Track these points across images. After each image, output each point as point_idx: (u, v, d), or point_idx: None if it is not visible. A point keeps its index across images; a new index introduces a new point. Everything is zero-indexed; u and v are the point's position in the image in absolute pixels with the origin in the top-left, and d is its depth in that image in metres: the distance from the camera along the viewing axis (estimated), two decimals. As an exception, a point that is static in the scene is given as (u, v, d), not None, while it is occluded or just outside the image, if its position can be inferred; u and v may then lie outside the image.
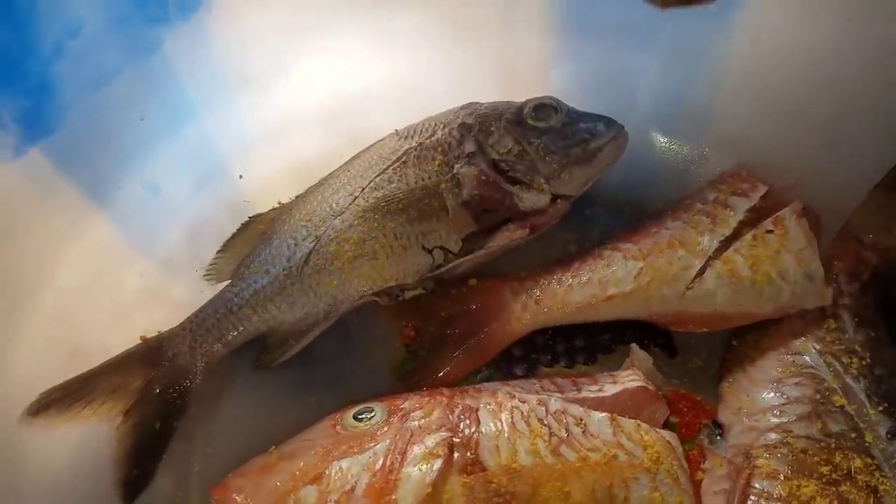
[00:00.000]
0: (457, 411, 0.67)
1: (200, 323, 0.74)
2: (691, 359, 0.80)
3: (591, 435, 0.64)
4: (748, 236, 0.77)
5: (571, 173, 0.79)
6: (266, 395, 0.78)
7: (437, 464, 0.62)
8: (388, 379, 0.80)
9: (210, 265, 0.78)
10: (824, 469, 0.66)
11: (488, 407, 0.67)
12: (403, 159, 0.78)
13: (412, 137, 0.80)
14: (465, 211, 0.77)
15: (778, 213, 0.77)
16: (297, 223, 0.78)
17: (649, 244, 0.79)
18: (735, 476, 0.68)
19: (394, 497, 0.61)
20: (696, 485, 0.71)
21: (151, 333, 0.74)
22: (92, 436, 0.70)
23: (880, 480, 0.66)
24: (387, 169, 0.78)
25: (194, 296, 0.77)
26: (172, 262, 0.78)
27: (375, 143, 0.82)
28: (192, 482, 0.74)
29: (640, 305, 0.77)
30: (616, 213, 0.88)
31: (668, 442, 0.65)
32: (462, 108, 0.82)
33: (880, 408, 0.71)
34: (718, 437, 0.74)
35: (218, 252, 0.78)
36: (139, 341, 0.74)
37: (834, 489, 0.65)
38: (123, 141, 0.75)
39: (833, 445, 0.68)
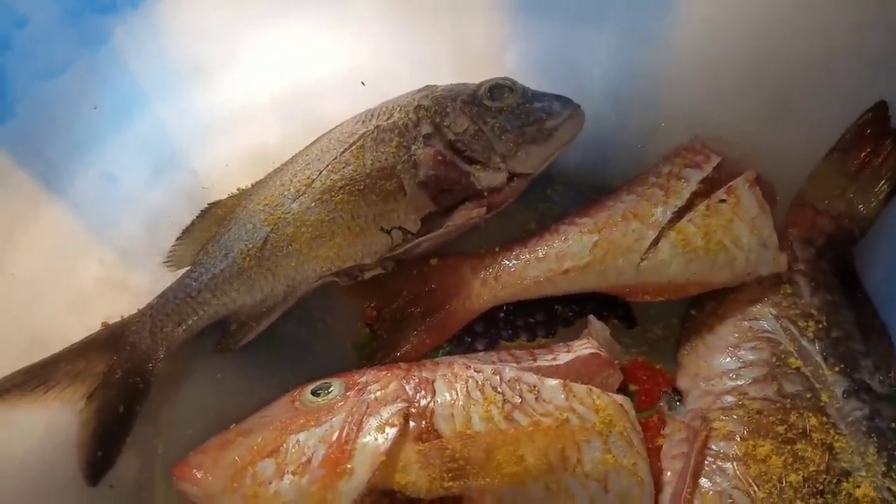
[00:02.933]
0: (413, 383, 0.68)
1: (160, 308, 0.75)
2: (650, 329, 0.81)
3: (544, 401, 0.65)
4: (701, 206, 0.77)
5: (527, 152, 0.80)
6: (229, 377, 0.78)
7: (392, 433, 0.62)
8: (351, 358, 0.80)
9: (169, 252, 0.79)
10: (780, 428, 0.67)
11: (444, 378, 0.68)
12: (360, 143, 0.79)
13: (369, 121, 0.81)
14: (423, 191, 0.78)
15: (731, 183, 0.78)
16: (255, 208, 0.78)
17: (604, 218, 0.80)
18: (693, 439, 0.68)
19: (349, 466, 0.61)
20: (657, 450, 0.72)
21: (113, 320, 0.75)
22: (57, 420, 0.70)
23: (835, 438, 0.67)
24: (344, 152, 0.79)
25: (155, 283, 0.77)
26: (132, 251, 0.79)
27: (333, 129, 0.83)
28: (157, 463, 0.75)
29: (597, 277, 0.78)
30: (575, 191, 0.89)
31: (621, 405, 0.65)
32: (418, 91, 0.83)
33: (836, 368, 0.72)
34: (677, 404, 0.74)
35: (177, 239, 0.79)
36: (101, 327, 0.74)
37: (789, 447, 0.66)
38: (77, 131, 0.75)
39: (788, 406, 0.68)
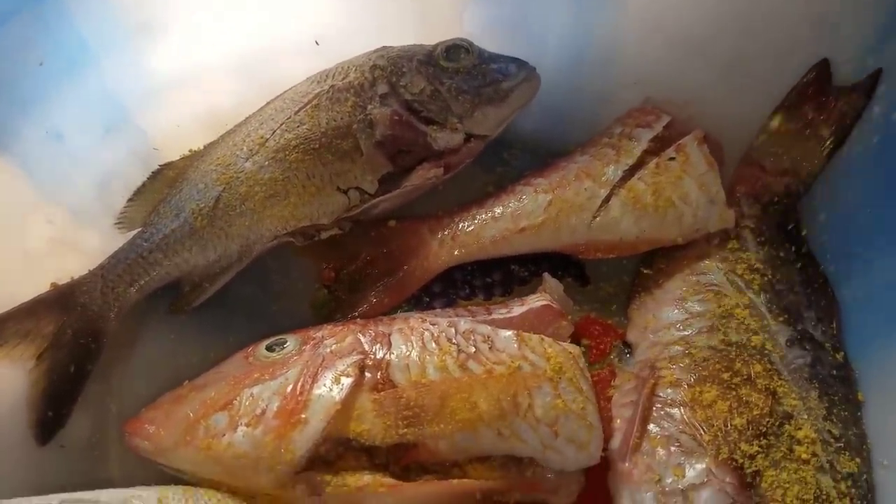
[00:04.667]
0: (369, 336, 0.68)
1: (111, 268, 0.74)
2: (603, 287, 0.83)
3: (498, 350, 0.66)
4: (651, 164, 0.79)
5: (484, 113, 0.80)
6: (184, 337, 0.78)
7: (347, 382, 0.63)
8: (309, 319, 0.80)
9: (121, 213, 0.78)
10: (725, 375, 0.69)
11: (401, 331, 0.69)
12: (315, 102, 0.78)
13: (324, 81, 0.81)
14: (379, 151, 0.78)
15: (680, 141, 0.80)
16: (207, 168, 0.78)
17: (558, 178, 0.81)
18: (641, 387, 0.70)
19: (303, 416, 0.62)
20: (608, 401, 0.73)
21: (63, 281, 0.73)
22: (5, 379, 0.69)
23: (779, 384, 0.69)
24: (299, 111, 0.78)
25: (106, 244, 0.76)
26: (82, 211, 0.77)
27: (288, 90, 0.83)
28: (110, 422, 0.74)
29: (551, 236, 0.79)
30: (532, 155, 0.89)
31: (571, 353, 0.67)
32: (374, 51, 0.83)
33: (780, 319, 0.74)
34: (627, 355, 0.76)
35: (128, 200, 0.78)
36: (50, 288, 0.73)
37: (734, 392, 0.68)
38: (22, 87, 0.73)
39: (733, 354, 0.71)
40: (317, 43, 0.85)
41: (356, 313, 0.79)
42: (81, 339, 0.72)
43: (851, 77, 0.79)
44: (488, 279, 0.83)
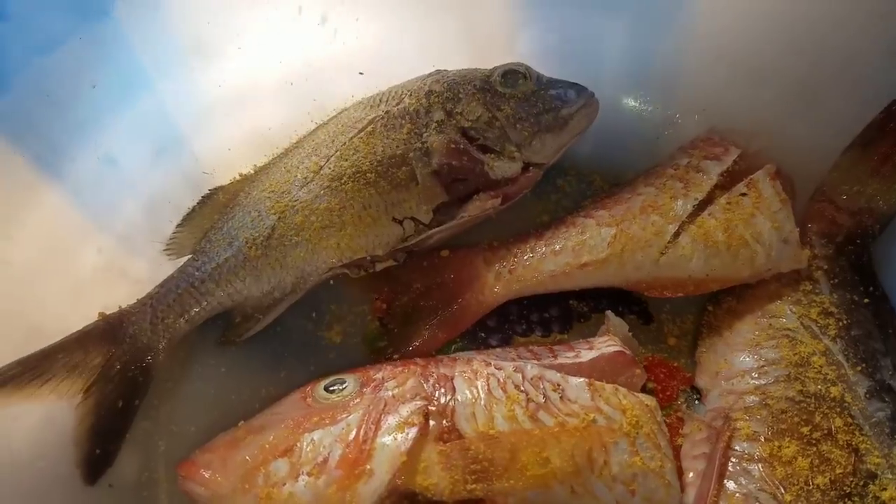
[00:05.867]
0: (431, 380, 0.65)
1: (161, 298, 0.72)
2: (666, 325, 0.80)
3: (569, 400, 0.63)
4: (722, 200, 0.76)
5: (543, 141, 0.77)
6: (233, 371, 0.75)
7: (413, 432, 0.60)
8: (362, 352, 0.78)
9: (170, 240, 0.75)
10: (804, 429, 0.66)
11: (464, 375, 0.66)
12: (370, 128, 0.76)
13: (378, 106, 0.78)
14: (436, 180, 0.75)
15: (751, 176, 0.77)
16: (260, 194, 0.75)
17: (622, 210, 0.78)
18: (715, 439, 0.67)
19: (368, 467, 0.59)
20: (676, 450, 0.70)
21: (111, 310, 0.71)
22: (53, 415, 0.66)
23: (860, 440, 0.66)
24: (353, 138, 0.76)
25: (155, 271, 0.74)
26: (131, 237, 0.75)
27: (340, 113, 0.80)
28: (159, 461, 0.71)
29: (615, 272, 0.76)
30: (588, 182, 0.87)
31: (647, 405, 0.64)
32: (429, 75, 0.81)
33: (858, 368, 0.70)
34: (697, 402, 0.73)
35: (178, 226, 0.76)
36: (98, 318, 0.70)
37: (815, 448, 0.65)
38: (75, 110, 0.72)
39: (812, 406, 0.67)
40: (361, 73, 0.82)
41: (410, 348, 0.76)
42: (130, 372, 0.70)
43: (934, 113, 0.76)
44: (546, 314, 0.80)
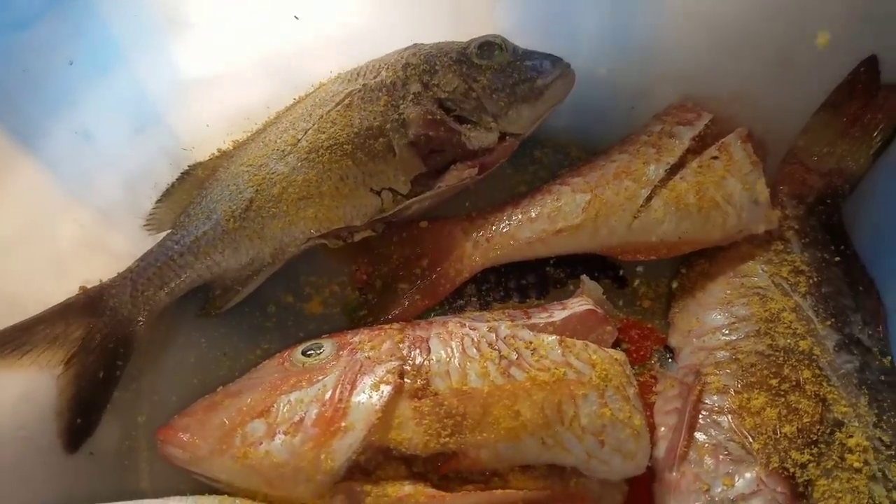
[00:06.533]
0: (407, 342, 0.66)
1: (142, 272, 0.73)
2: (641, 289, 0.81)
3: (541, 356, 0.64)
4: (693, 163, 0.77)
5: (519, 111, 0.78)
6: (214, 342, 0.76)
7: (387, 390, 0.61)
8: (342, 322, 0.79)
9: (150, 215, 0.76)
10: (773, 381, 0.67)
11: (439, 336, 0.67)
12: (347, 101, 0.77)
13: (356, 80, 0.79)
14: (413, 151, 0.76)
15: (723, 140, 0.78)
16: (238, 169, 0.76)
17: (596, 177, 0.79)
18: (686, 394, 0.68)
19: (343, 424, 0.60)
20: (650, 407, 0.71)
21: (92, 284, 0.72)
22: (34, 386, 0.67)
23: (828, 390, 0.67)
24: (331, 111, 0.77)
25: (135, 246, 0.75)
26: (111, 212, 0.76)
27: (318, 87, 0.81)
28: (140, 430, 0.73)
29: (589, 237, 0.77)
30: (565, 153, 0.88)
31: (616, 359, 0.65)
32: (406, 49, 0.81)
33: (828, 323, 0.72)
34: (669, 360, 0.74)
35: (157, 201, 0.77)
36: (79, 291, 0.71)
37: (783, 399, 0.66)
38: (52, 86, 0.72)
39: (781, 359, 0.68)
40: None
41: (389, 317, 0.77)
42: (110, 344, 0.71)
43: (902, 75, 0.76)
44: (523, 281, 0.81)
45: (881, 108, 0.77)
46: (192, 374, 0.75)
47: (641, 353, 0.76)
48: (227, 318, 0.76)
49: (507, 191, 0.85)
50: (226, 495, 0.62)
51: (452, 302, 0.80)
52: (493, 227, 0.79)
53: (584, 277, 0.76)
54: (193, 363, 0.75)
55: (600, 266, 0.81)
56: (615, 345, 0.73)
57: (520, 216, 0.79)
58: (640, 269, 0.81)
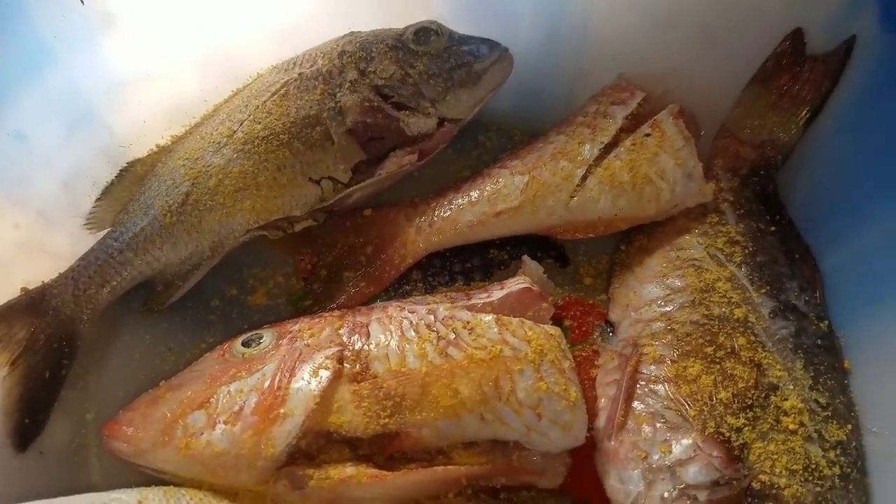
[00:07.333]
0: (347, 328, 0.67)
1: (82, 271, 0.73)
2: (583, 267, 0.82)
3: (478, 335, 0.65)
4: (627, 142, 0.78)
5: (457, 96, 0.79)
6: (159, 338, 0.77)
7: (325, 375, 0.62)
8: (287, 313, 0.79)
9: (90, 214, 0.76)
10: (708, 349, 0.68)
11: (379, 321, 0.67)
12: (283, 91, 0.77)
13: (292, 69, 0.79)
14: (351, 139, 0.77)
15: (655, 117, 0.79)
16: (175, 163, 0.76)
17: (534, 159, 0.80)
18: (624, 365, 0.69)
19: (282, 411, 0.60)
20: (592, 381, 0.73)
21: (34, 285, 0.72)
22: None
23: (763, 355, 0.68)
24: (266, 101, 0.77)
25: (76, 246, 0.75)
26: (49, 213, 0.76)
27: (255, 79, 0.81)
28: (88, 427, 0.73)
29: (529, 218, 0.78)
30: (509, 137, 0.89)
31: (552, 334, 0.66)
32: (342, 37, 0.82)
33: (763, 290, 0.73)
34: (610, 335, 0.75)
35: (97, 200, 0.77)
36: (20, 293, 0.71)
37: (718, 366, 0.67)
38: (-22, 86, 0.72)
39: (716, 328, 0.70)
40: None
41: (334, 305, 0.77)
42: (55, 343, 0.71)
43: (826, 46, 0.78)
44: (468, 265, 0.82)
45: (808, 79, 0.78)
46: (138, 370, 0.75)
47: (584, 328, 0.78)
48: (170, 314, 0.76)
49: (452, 176, 0.85)
50: (171, 486, 0.62)
51: (398, 288, 0.81)
52: (436, 213, 0.80)
53: (524, 258, 0.76)
54: (139, 359, 0.76)
55: (543, 246, 0.83)
56: (558, 322, 0.74)
57: (461, 200, 0.80)
58: (583, 248, 0.83)
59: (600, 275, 0.81)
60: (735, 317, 0.70)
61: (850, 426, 0.67)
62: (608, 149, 0.78)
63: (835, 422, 0.66)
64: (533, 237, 0.81)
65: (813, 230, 0.78)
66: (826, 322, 0.73)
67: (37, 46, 0.74)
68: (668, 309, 0.72)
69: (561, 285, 0.80)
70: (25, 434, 0.69)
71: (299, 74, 0.78)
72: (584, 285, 0.81)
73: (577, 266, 0.82)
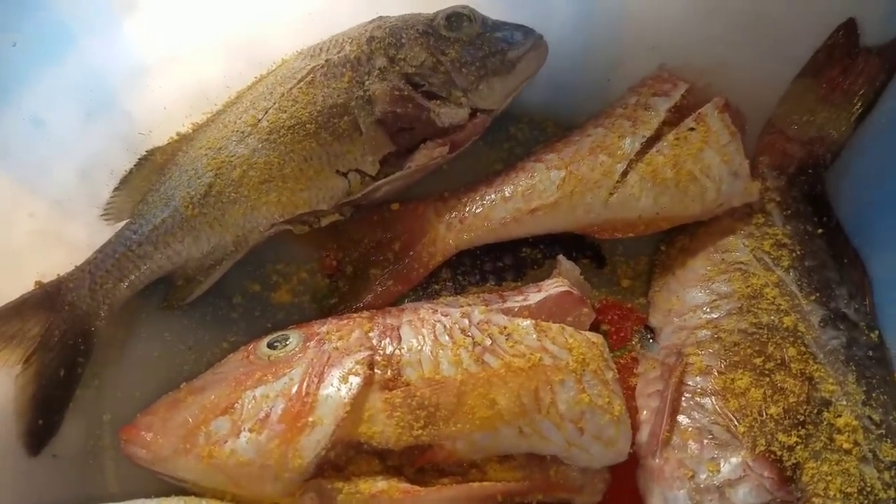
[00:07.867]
0: (377, 331, 0.64)
1: (99, 264, 0.70)
2: (620, 268, 0.79)
3: (516, 341, 0.62)
4: (670, 136, 0.74)
5: (490, 85, 0.75)
6: (179, 336, 0.74)
7: (356, 382, 0.59)
8: (312, 312, 0.76)
9: (108, 204, 0.73)
10: (757, 360, 0.65)
11: (411, 324, 0.64)
12: (310, 78, 0.74)
13: (319, 55, 0.76)
14: (380, 129, 0.73)
15: (699, 110, 0.75)
16: (197, 153, 0.73)
17: (571, 153, 0.76)
18: (668, 376, 0.66)
19: (311, 419, 0.57)
20: (631, 390, 0.69)
21: (48, 277, 0.69)
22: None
23: (814, 368, 0.65)
24: (292, 89, 0.73)
25: (93, 237, 0.72)
26: (66, 202, 0.73)
27: (280, 64, 0.78)
28: (104, 429, 0.70)
29: (565, 215, 0.75)
30: (541, 129, 0.85)
31: (594, 343, 0.62)
32: (371, 21, 0.78)
33: (812, 298, 0.70)
34: (650, 341, 0.72)
35: (115, 189, 0.73)
36: (35, 286, 0.68)
37: (768, 379, 0.64)
38: (-1, 73, 0.69)
39: (765, 337, 0.66)
40: None
41: (361, 304, 0.74)
42: (70, 340, 0.68)
43: (881, 37, 0.75)
44: (499, 263, 0.79)
45: (861, 72, 0.74)
46: (156, 368, 0.72)
47: (622, 334, 0.74)
48: (191, 310, 0.73)
49: (483, 169, 0.82)
50: (192, 496, 0.60)
51: (426, 287, 0.77)
52: (467, 208, 0.77)
53: (560, 257, 0.73)
54: (157, 358, 0.73)
55: (578, 245, 0.79)
56: (594, 327, 0.71)
57: (493, 195, 0.76)
58: (620, 247, 0.79)
59: (639, 277, 0.78)
60: (784, 326, 0.67)
61: (905, 446, 0.63)
62: (650, 143, 0.75)
63: (888, 440, 0.63)
64: (567, 235, 0.77)
65: (861, 233, 0.75)
66: (876, 332, 0.70)
67: (56, 30, 0.71)
68: (714, 316, 0.68)
69: (597, 287, 0.77)
70: (39, 436, 0.66)
71: (326, 61, 0.74)
72: (621, 287, 0.77)
73: (614, 267, 0.78)
